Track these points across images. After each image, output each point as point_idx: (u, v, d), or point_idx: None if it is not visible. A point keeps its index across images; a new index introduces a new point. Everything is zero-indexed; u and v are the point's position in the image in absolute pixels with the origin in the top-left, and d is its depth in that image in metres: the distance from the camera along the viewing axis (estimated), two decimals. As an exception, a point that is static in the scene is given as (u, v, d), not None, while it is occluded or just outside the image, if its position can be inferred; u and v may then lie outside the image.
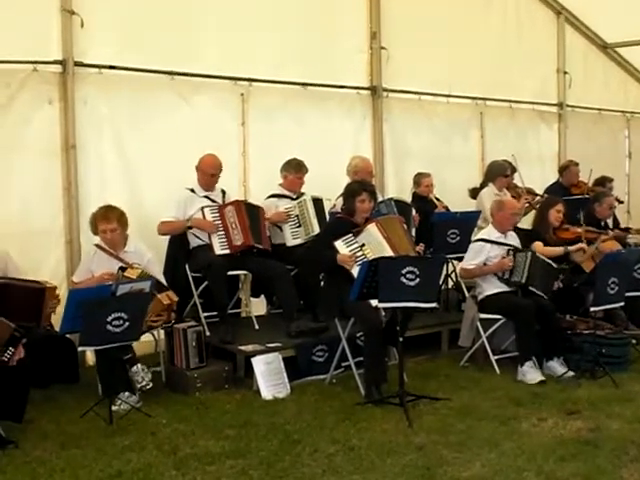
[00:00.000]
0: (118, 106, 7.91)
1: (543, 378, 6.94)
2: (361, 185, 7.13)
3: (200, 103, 8.45)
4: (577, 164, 10.44)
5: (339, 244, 6.73)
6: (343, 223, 6.97)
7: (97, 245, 6.85)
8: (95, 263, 6.79)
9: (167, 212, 7.53)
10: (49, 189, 7.56)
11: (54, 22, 7.49)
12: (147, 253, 6.96)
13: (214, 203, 7.61)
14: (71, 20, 7.50)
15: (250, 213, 7.57)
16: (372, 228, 6.81)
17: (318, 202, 8.10)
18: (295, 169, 8.18)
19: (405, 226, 7.34)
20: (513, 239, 7.67)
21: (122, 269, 6.62)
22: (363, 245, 6.74)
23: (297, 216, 8.02)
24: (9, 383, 5.50)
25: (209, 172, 7.64)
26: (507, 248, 7.46)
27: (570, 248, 7.97)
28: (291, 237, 8.00)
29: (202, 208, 7.49)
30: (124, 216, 6.86)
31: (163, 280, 6.94)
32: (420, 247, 7.15)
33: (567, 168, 10.47)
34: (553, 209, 8.20)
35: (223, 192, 7.80)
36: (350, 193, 7.04)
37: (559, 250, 7.90)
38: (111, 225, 6.73)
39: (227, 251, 7.42)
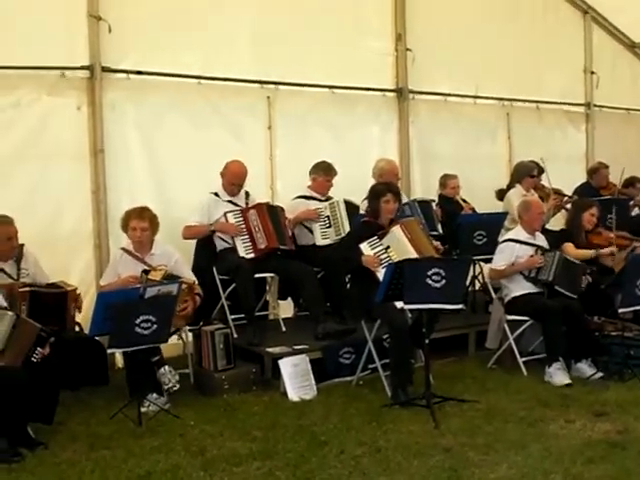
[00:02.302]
0: (146, 111, 7.98)
1: (570, 381, 6.89)
2: (386, 186, 7.15)
3: (227, 107, 8.50)
4: (607, 167, 10.34)
5: (364, 246, 6.75)
6: (368, 225, 6.99)
7: (123, 249, 6.93)
8: (121, 266, 6.85)
9: (192, 217, 7.60)
10: (78, 193, 7.66)
11: (81, 28, 7.57)
12: (175, 254, 7.02)
13: (237, 207, 7.65)
14: (98, 26, 7.57)
15: (272, 215, 7.62)
16: (397, 230, 6.82)
17: (351, 206, 8.10)
18: (325, 171, 8.21)
19: (422, 226, 7.33)
20: (541, 240, 7.65)
21: (146, 272, 6.67)
22: (388, 247, 6.75)
23: (328, 217, 8.04)
24: (39, 385, 5.55)
25: (232, 182, 7.70)
26: (535, 248, 7.44)
27: (601, 251, 7.89)
28: (321, 237, 8.03)
29: (225, 213, 7.54)
30: (157, 219, 6.94)
31: (194, 277, 6.99)
32: (438, 244, 7.15)
33: (597, 171, 10.38)
34: (587, 212, 8.11)
35: (247, 194, 7.84)
36: (375, 194, 7.06)
37: (589, 253, 7.82)
38: (143, 223, 6.79)
39: (252, 255, 7.46)
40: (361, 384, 7.00)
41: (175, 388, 6.32)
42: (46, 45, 7.31)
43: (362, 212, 7.89)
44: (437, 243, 7.18)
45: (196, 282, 6.94)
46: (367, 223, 7.06)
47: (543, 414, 6.12)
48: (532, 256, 7.40)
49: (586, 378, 7.00)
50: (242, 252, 7.47)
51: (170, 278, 6.61)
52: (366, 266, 6.70)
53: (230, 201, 7.70)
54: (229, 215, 7.56)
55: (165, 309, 6.08)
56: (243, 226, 7.52)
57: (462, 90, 10.41)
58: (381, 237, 6.81)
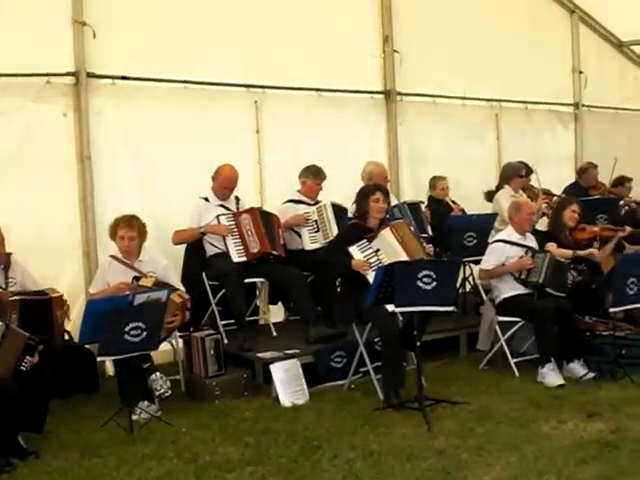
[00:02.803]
0: (132, 116, 7.95)
1: (563, 382, 6.89)
2: (374, 185, 7.16)
3: (214, 111, 8.45)
4: (596, 166, 10.37)
5: (354, 250, 6.72)
6: (357, 228, 6.95)
7: (112, 256, 6.90)
8: (110, 274, 6.81)
9: (183, 222, 7.55)
10: (65, 201, 7.62)
11: (66, 34, 7.54)
12: (162, 260, 7.00)
13: (229, 211, 7.63)
14: (83, 31, 7.55)
15: (265, 220, 7.60)
16: (386, 233, 6.81)
17: (339, 209, 8.06)
18: (314, 175, 8.19)
19: (413, 229, 7.32)
20: (531, 241, 7.65)
21: (136, 278, 6.65)
22: (378, 250, 6.73)
23: (315, 221, 8.01)
24: (29, 394, 5.51)
25: (224, 186, 7.67)
26: (526, 249, 7.44)
27: (579, 253, 7.86)
28: (309, 241, 8.00)
29: (217, 216, 7.51)
30: (145, 228, 6.91)
31: (181, 286, 6.97)
32: (429, 247, 7.13)
33: (586, 171, 10.40)
34: (568, 209, 8.11)
35: (237, 199, 7.81)
36: (364, 193, 7.01)
37: (568, 253, 7.80)
38: (131, 233, 6.77)
39: (244, 258, 7.44)
40: (353, 388, 6.98)
41: (167, 394, 6.28)
42: (31, 51, 7.25)
43: (350, 215, 7.88)
44: (428, 245, 7.17)
45: (188, 297, 6.89)
46: (355, 226, 7.02)
47: (535, 415, 6.11)
48: (522, 257, 7.40)
49: (578, 378, 7.00)
50: (234, 255, 7.44)
51: (160, 285, 6.58)
52: (356, 270, 6.68)
53: (221, 205, 7.67)
54: (222, 218, 7.53)
55: (155, 316, 6.06)
56: (235, 230, 7.50)
57: (450, 91, 10.40)
58: (370, 240, 6.78)
